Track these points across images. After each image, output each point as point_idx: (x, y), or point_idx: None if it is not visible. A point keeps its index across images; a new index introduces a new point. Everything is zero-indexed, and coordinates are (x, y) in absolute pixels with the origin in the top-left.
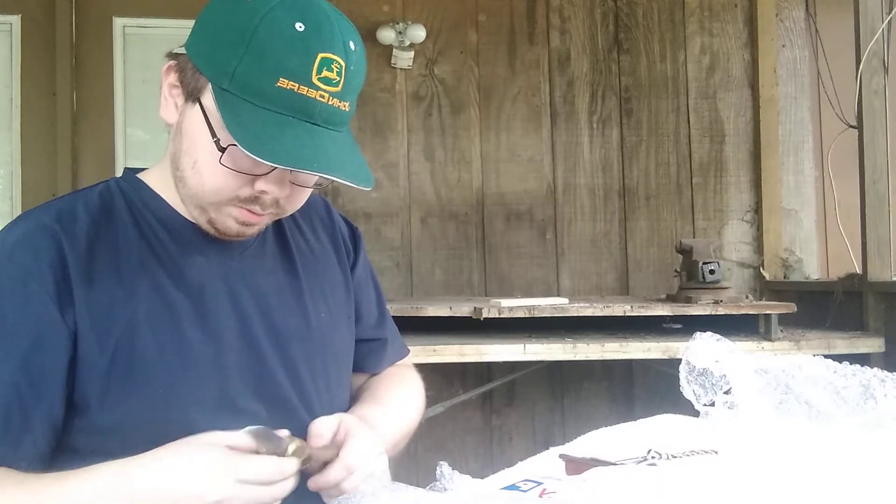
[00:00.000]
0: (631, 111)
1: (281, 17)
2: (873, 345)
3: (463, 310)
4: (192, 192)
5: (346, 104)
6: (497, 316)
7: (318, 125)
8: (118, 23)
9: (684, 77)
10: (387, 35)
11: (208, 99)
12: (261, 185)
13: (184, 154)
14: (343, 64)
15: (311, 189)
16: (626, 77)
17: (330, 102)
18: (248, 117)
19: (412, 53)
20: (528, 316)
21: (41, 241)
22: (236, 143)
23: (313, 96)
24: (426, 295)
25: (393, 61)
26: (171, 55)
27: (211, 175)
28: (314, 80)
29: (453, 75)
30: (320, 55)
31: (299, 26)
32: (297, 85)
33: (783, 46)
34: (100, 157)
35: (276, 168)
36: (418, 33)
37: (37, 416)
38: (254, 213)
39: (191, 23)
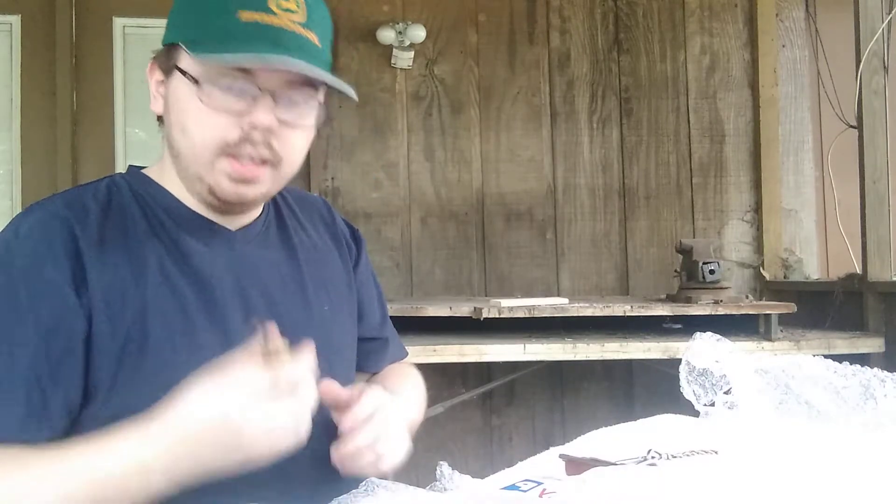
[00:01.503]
0: (631, 111)
1: None
2: (873, 345)
3: (463, 310)
4: (186, 161)
5: (315, 37)
6: (497, 316)
7: (292, 55)
8: (118, 23)
9: (684, 77)
10: (387, 35)
11: (185, 61)
12: (246, 119)
13: (174, 126)
14: None
15: (302, 132)
16: (626, 77)
17: (295, 30)
18: (222, 49)
19: (412, 53)
20: (528, 316)
21: (54, 228)
22: (230, 71)
23: (277, 24)
24: (426, 295)
25: (393, 61)
26: (153, 57)
27: (197, 127)
28: (271, 5)
29: (453, 75)
30: None
31: None
32: (256, 14)
33: (783, 46)
34: (100, 157)
35: (250, 78)
36: (418, 33)
37: (55, 401)
38: (244, 166)
39: None
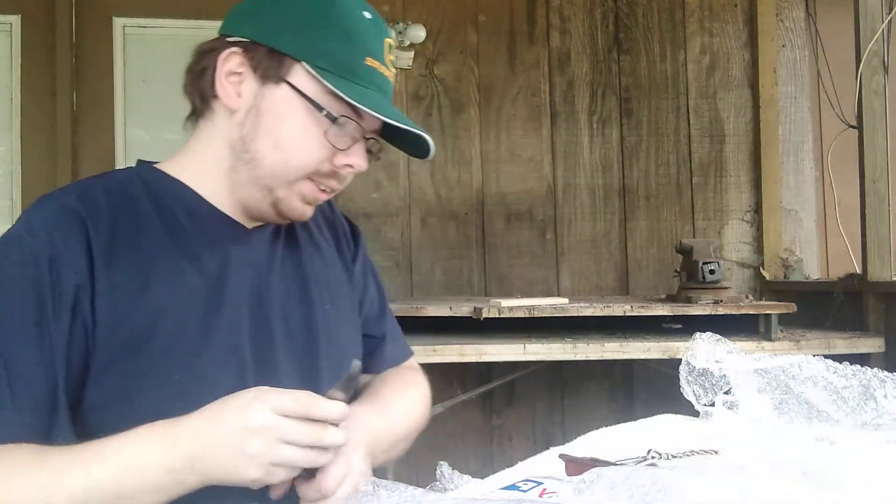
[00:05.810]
0: (631, 111)
1: (350, 3)
2: (873, 345)
3: (463, 310)
4: (266, 171)
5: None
6: (497, 316)
7: (389, 101)
8: (118, 23)
9: (684, 77)
10: None
11: (300, 78)
12: (346, 158)
13: (262, 135)
14: (394, 47)
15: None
16: (626, 77)
17: (392, 81)
18: (353, 91)
19: (412, 53)
20: (528, 316)
21: (68, 223)
22: (353, 112)
23: (388, 76)
24: (426, 295)
25: None
26: (224, 42)
27: (297, 148)
28: (386, 60)
29: (453, 75)
30: (386, 40)
31: (367, 14)
32: (378, 64)
33: (783, 46)
34: (100, 157)
35: (373, 139)
36: (418, 33)
37: (63, 398)
38: (323, 190)
39: (191, 22)
